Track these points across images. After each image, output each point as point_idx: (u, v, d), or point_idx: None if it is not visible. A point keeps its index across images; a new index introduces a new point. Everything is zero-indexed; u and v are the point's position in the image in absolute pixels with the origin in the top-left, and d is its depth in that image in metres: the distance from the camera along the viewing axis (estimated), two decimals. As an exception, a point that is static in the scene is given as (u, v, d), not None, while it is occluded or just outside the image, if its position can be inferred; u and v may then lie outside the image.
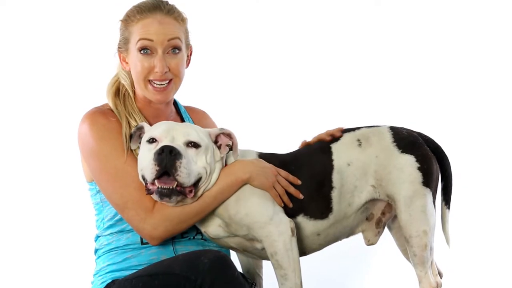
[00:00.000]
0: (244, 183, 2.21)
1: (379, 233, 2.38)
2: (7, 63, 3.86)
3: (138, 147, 2.25)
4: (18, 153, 3.79)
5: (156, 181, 2.10)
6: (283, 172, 2.26)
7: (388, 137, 2.33)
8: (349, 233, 2.36)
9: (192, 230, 2.29)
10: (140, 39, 2.26)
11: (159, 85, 2.28)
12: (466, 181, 3.78)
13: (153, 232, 2.18)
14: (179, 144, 2.13)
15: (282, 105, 3.92)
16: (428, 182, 2.30)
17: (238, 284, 2.03)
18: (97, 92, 3.61)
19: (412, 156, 2.31)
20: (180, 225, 2.19)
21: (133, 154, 2.25)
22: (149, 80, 2.28)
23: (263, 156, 2.32)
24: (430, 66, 3.96)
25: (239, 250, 2.28)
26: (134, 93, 2.35)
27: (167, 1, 2.34)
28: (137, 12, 2.30)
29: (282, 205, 2.23)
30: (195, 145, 2.17)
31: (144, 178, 2.15)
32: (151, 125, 2.29)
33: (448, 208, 2.37)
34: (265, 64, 3.95)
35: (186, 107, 2.52)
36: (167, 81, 2.29)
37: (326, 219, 2.28)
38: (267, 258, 2.29)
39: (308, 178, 2.28)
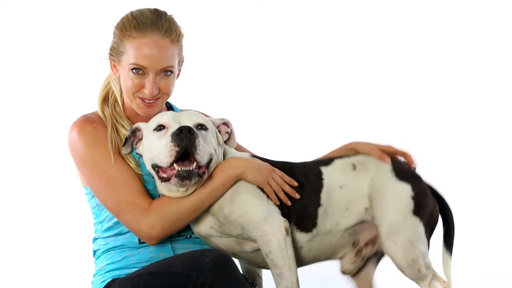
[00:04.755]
0: (238, 178, 2.17)
1: (355, 263, 2.30)
2: (6, 64, 3.83)
3: (130, 153, 2.24)
4: (17, 156, 3.77)
5: (175, 164, 2.05)
6: (278, 171, 2.22)
7: (388, 165, 2.27)
8: (331, 253, 2.29)
9: (189, 229, 2.28)
10: (133, 63, 2.19)
11: (148, 101, 2.24)
12: (466, 181, 3.78)
13: (150, 232, 2.14)
14: (191, 125, 2.10)
15: (279, 107, 3.90)
16: (419, 212, 2.20)
17: (239, 284, 1.99)
18: (93, 92, 3.62)
19: (409, 184, 2.23)
20: (177, 223, 2.15)
21: (121, 158, 2.22)
22: (137, 96, 2.24)
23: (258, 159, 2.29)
24: (429, 66, 3.94)
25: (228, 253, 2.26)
26: (123, 100, 2.32)
27: (165, 15, 2.25)
28: (134, 27, 2.20)
29: (278, 203, 2.18)
30: (203, 127, 2.14)
31: (156, 166, 2.10)
32: None
33: (450, 254, 2.28)
34: (263, 66, 3.94)
35: (182, 110, 2.50)
36: (154, 100, 2.25)
37: (309, 233, 2.22)
38: (256, 262, 2.26)
39: (299, 189, 2.22)
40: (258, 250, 2.19)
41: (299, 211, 2.20)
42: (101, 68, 3.60)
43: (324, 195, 2.22)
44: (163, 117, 2.14)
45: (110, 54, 2.27)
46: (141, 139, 2.22)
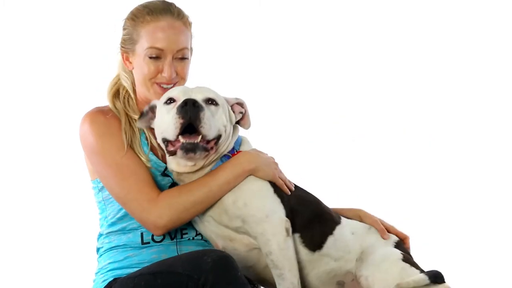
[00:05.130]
0: (250, 173, 2.15)
1: None
2: (6, 64, 3.84)
3: (141, 147, 2.24)
4: (21, 152, 3.78)
5: (180, 136, 2.05)
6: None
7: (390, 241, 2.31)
8: (318, 284, 2.29)
9: (192, 230, 2.28)
10: (150, 47, 2.21)
11: (165, 87, 2.25)
12: (466, 181, 3.78)
13: (157, 221, 2.12)
14: (199, 99, 2.10)
15: (279, 107, 3.90)
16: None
17: (240, 284, 1.97)
18: (99, 91, 3.61)
19: (401, 253, 2.24)
20: (185, 213, 2.13)
21: (133, 151, 2.22)
22: (155, 82, 2.26)
23: None
24: (429, 66, 3.94)
25: (217, 244, 2.23)
26: (135, 94, 2.33)
27: (174, 4, 2.29)
28: (147, 13, 2.24)
29: (289, 193, 2.18)
30: (213, 102, 2.13)
31: (165, 141, 2.11)
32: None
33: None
34: (263, 66, 3.94)
35: None
36: (171, 85, 2.26)
37: (312, 253, 2.20)
38: (246, 265, 2.22)
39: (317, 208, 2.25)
40: (253, 249, 2.17)
41: (311, 223, 2.21)
42: (102, 67, 3.64)
43: (337, 230, 2.24)
44: (174, 91, 2.14)
45: (122, 47, 2.29)
46: None
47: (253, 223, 2.11)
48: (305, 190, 2.29)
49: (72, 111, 3.70)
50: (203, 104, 2.07)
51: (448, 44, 3.93)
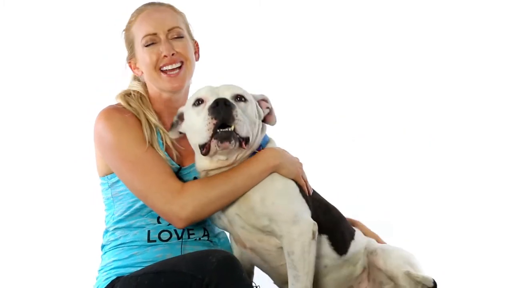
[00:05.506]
0: (274, 170, 2.15)
1: None
2: (6, 64, 3.84)
3: (159, 148, 2.23)
4: (25, 151, 3.78)
5: (213, 138, 2.03)
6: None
7: None
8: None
9: (199, 231, 2.28)
10: (143, 37, 2.26)
11: (171, 70, 2.26)
12: (466, 180, 3.78)
13: (180, 212, 2.10)
14: (228, 97, 2.08)
15: (279, 107, 3.87)
16: None
17: (245, 285, 1.98)
18: (99, 91, 3.61)
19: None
20: (209, 206, 2.11)
21: (153, 148, 2.21)
22: (161, 70, 2.27)
23: None
24: (429, 66, 3.94)
25: (247, 248, 2.23)
26: (148, 95, 2.34)
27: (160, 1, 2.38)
28: (135, 13, 2.33)
29: (310, 194, 2.20)
30: (242, 98, 2.13)
31: (199, 145, 2.08)
32: (167, 123, 2.30)
33: None
34: (263, 66, 3.93)
35: None
36: (178, 65, 2.27)
37: (339, 256, 2.24)
38: (272, 264, 2.23)
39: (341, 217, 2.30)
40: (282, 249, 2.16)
41: (336, 229, 2.24)
42: (102, 67, 3.65)
43: (356, 235, 2.30)
44: (201, 91, 2.12)
45: (127, 58, 2.35)
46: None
47: (280, 222, 2.10)
48: (319, 194, 2.31)
49: (73, 110, 3.73)
50: (234, 102, 2.06)
51: (448, 44, 3.93)
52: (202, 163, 2.15)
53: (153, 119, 2.25)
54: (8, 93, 3.81)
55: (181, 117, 2.21)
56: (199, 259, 1.99)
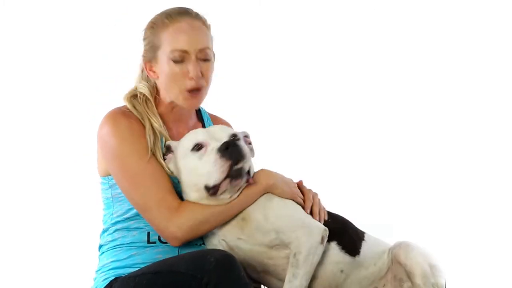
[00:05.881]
0: (268, 190, 2.18)
1: None
2: (6, 64, 3.84)
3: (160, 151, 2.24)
4: (24, 150, 3.78)
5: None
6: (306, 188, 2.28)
7: None
8: None
9: (198, 239, 2.28)
10: (173, 50, 2.20)
11: (194, 92, 2.24)
12: (466, 180, 3.78)
13: (177, 232, 2.11)
14: (227, 138, 2.13)
15: (279, 107, 3.90)
16: None
17: (244, 284, 1.97)
18: (99, 91, 3.61)
19: None
20: (204, 225, 2.13)
21: (154, 157, 2.21)
22: (183, 89, 2.24)
23: None
24: (429, 66, 3.94)
25: (260, 272, 2.24)
26: (155, 99, 2.31)
27: (192, 9, 2.29)
28: (165, 17, 2.24)
29: (308, 211, 2.21)
30: (236, 137, 2.17)
31: (207, 187, 2.10)
32: (172, 128, 2.31)
33: None
34: (263, 66, 3.94)
35: (211, 116, 2.50)
36: (199, 87, 2.25)
37: (353, 258, 2.24)
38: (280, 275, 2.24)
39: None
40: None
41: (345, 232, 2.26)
42: (102, 67, 3.65)
43: (367, 236, 2.30)
44: (198, 136, 2.14)
45: (144, 57, 2.28)
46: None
47: (288, 232, 2.13)
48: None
49: (73, 110, 3.73)
50: (237, 141, 2.11)
51: (448, 44, 3.93)
52: (195, 198, 2.16)
53: (157, 125, 2.23)
54: (8, 93, 3.81)
55: (169, 149, 2.22)
56: (198, 258, 1.98)
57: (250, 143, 2.27)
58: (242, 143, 2.13)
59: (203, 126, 2.41)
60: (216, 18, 3.92)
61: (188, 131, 2.28)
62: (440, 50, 3.94)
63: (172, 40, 2.20)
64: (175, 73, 2.20)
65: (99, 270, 2.28)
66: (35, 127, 3.78)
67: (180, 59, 2.20)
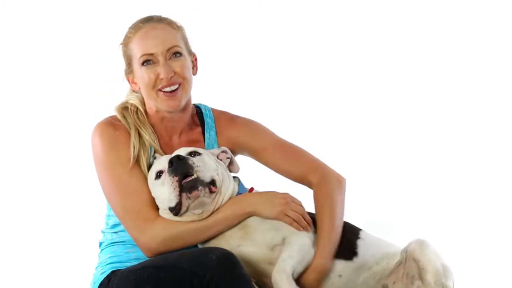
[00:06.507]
0: (249, 215, 2.21)
1: None
2: (6, 64, 3.84)
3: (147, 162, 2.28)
4: (24, 150, 3.79)
5: (182, 194, 2.10)
6: (296, 200, 2.27)
7: None
8: None
9: None
10: (141, 56, 2.25)
11: (169, 91, 2.26)
12: (466, 180, 3.79)
13: (150, 243, 2.17)
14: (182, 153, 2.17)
15: (279, 107, 3.91)
16: None
17: (245, 282, 2.00)
18: (99, 91, 3.60)
19: None
20: (178, 241, 2.17)
21: (138, 166, 2.26)
22: (158, 89, 2.27)
23: None
24: (429, 66, 3.95)
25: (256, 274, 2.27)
26: (145, 110, 2.35)
27: (159, 15, 2.34)
28: (132, 28, 2.31)
29: (301, 229, 2.22)
30: (196, 153, 2.20)
31: (172, 209, 2.15)
32: (165, 137, 2.34)
33: None
34: (263, 66, 3.94)
35: (216, 112, 2.50)
36: (176, 86, 2.27)
37: (350, 261, 2.25)
38: None
39: None
40: None
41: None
42: (102, 68, 3.65)
43: (362, 234, 2.31)
44: (159, 165, 2.19)
45: (125, 72, 2.34)
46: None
47: (284, 227, 2.19)
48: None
49: (73, 110, 3.73)
50: (187, 156, 2.14)
51: (448, 44, 3.93)
52: (182, 218, 2.19)
53: (147, 136, 2.28)
54: (8, 93, 3.82)
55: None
56: (199, 256, 2.01)
57: (228, 158, 2.29)
58: (196, 157, 2.15)
59: (203, 130, 2.42)
60: (216, 18, 3.96)
61: (186, 139, 2.35)
62: (440, 50, 3.95)
63: (139, 47, 2.25)
64: (148, 78, 2.24)
65: (98, 266, 2.33)
66: (35, 127, 3.79)
67: (149, 60, 2.24)
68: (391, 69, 3.94)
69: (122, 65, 2.36)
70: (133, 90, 2.37)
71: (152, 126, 2.32)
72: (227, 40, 3.93)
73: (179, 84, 2.27)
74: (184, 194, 2.09)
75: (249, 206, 2.20)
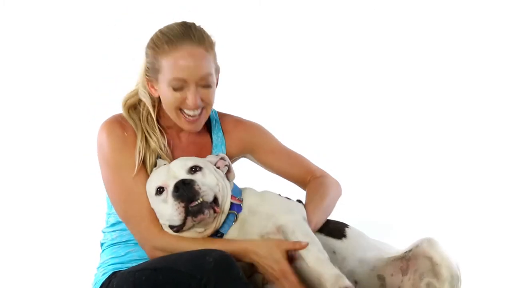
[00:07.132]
0: (246, 254, 2.14)
1: None
2: (6, 64, 3.84)
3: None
4: (24, 150, 3.79)
5: (188, 218, 2.09)
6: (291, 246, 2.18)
7: None
8: (362, 277, 2.32)
9: None
10: (172, 79, 2.18)
11: (192, 116, 2.23)
12: (466, 180, 3.78)
13: (151, 252, 2.17)
14: (184, 175, 2.14)
15: (279, 107, 3.91)
16: None
17: (242, 284, 1.99)
18: (99, 91, 3.60)
19: None
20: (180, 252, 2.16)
21: (143, 170, 2.23)
22: (180, 109, 2.24)
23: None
24: (429, 66, 3.95)
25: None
26: (157, 111, 2.31)
27: (194, 26, 2.24)
28: (166, 42, 2.19)
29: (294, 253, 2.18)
30: (197, 168, 2.17)
31: (172, 227, 2.14)
32: (176, 138, 2.33)
33: None
34: (263, 66, 3.94)
35: (221, 115, 2.48)
36: (199, 110, 2.24)
37: (340, 240, 2.27)
38: None
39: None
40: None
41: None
42: (102, 68, 3.65)
43: (350, 227, 2.33)
44: (159, 179, 2.16)
45: (146, 74, 2.26)
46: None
47: (282, 214, 2.18)
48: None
49: (73, 110, 3.73)
50: (191, 176, 2.11)
51: (448, 44, 3.93)
52: (184, 234, 2.19)
53: (154, 144, 2.25)
54: (8, 93, 3.82)
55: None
56: (197, 258, 2.00)
57: (226, 165, 2.26)
58: (198, 175, 2.13)
59: (210, 131, 2.41)
60: (217, 18, 3.96)
61: (194, 139, 2.34)
62: (440, 50, 3.95)
63: (172, 69, 2.17)
64: (174, 99, 2.20)
65: (99, 266, 2.32)
66: (35, 127, 3.79)
67: (179, 87, 2.19)
68: (391, 69, 3.94)
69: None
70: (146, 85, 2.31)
71: (162, 126, 2.30)
72: (227, 40, 3.92)
73: (202, 108, 2.24)
74: (189, 218, 2.08)
75: (251, 254, 2.13)
